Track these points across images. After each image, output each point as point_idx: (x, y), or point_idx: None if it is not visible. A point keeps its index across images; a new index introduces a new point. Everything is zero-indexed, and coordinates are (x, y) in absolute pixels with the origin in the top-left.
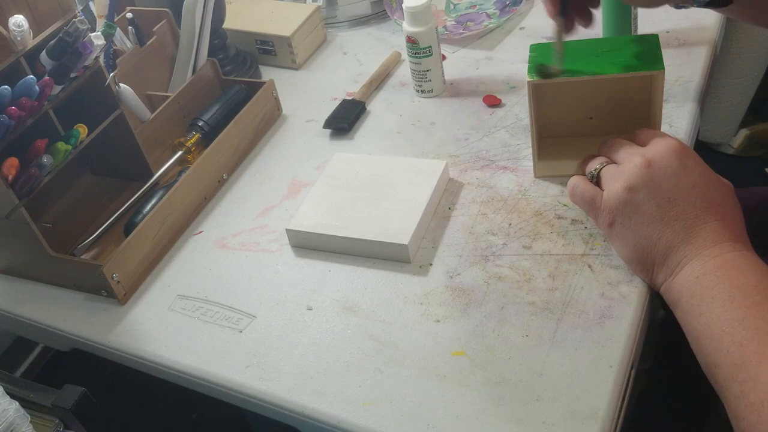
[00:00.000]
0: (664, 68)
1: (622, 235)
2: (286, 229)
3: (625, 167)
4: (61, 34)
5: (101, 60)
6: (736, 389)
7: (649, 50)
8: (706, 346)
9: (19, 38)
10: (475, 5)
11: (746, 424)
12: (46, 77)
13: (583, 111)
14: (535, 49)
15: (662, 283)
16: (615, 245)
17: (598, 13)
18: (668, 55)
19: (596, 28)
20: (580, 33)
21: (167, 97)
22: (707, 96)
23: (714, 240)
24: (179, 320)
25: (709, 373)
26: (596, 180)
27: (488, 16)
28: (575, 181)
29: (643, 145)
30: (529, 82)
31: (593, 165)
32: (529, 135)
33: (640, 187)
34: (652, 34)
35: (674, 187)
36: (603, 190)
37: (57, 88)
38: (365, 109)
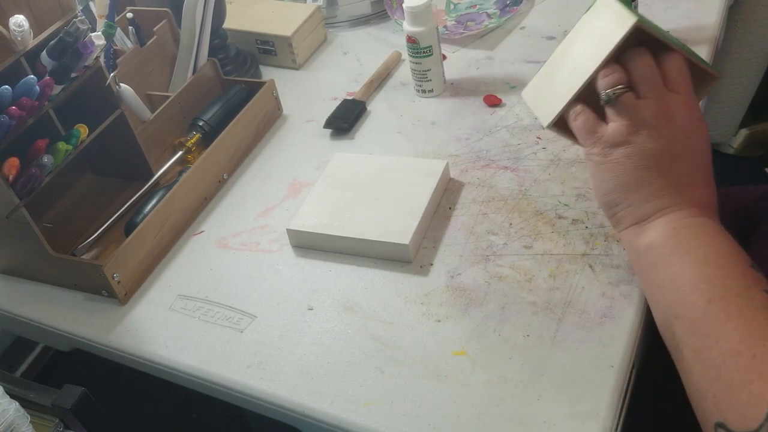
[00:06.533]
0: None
1: (613, 170)
2: (287, 229)
3: (644, 108)
4: (61, 34)
5: (102, 60)
6: (696, 343)
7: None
8: (670, 297)
9: (19, 38)
10: (476, 5)
11: (701, 379)
12: (47, 77)
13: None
14: None
15: (629, 226)
16: (599, 175)
17: None
18: None
19: None
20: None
21: (168, 97)
22: (707, 96)
23: (705, 203)
24: (180, 320)
25: (666, 326)
26: (611, 103)
27: (488, 15)
28: (580, 108)
29: (667, 78)
30: (636, 23)
31: (611, 82)
32: (530, 134)
33: (654, 135)
34: None
35: (685, 147)
36: (610, 120)
37: (57, 88)
38: (366, 109)
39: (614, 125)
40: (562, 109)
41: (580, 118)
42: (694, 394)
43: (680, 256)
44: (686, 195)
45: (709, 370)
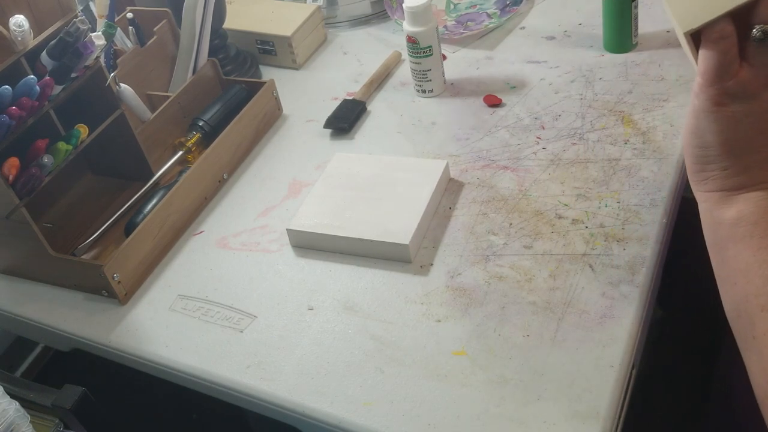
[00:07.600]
0: None
1: (723, 124)
2: (287, 229)
3: None
4: (61, 34)
5: (102, 60)
6: None
7: None
8: (757, 285)
9: (19, 38)
10: (476, 5)
11: None
12: (47, 77)
13: None
14: None
15: (714, 191)
16: (701, 122)
17: (598, 12)
18: (669, 55)
19: (597, 28)
20: (578, 30)
21: (168, 97)
22: None
23: None
24: (180, 320)
25: (743, 314)
26: (758, 42)
27: (488, 15)
28: (731, 31)
29: None
30: None
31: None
32: (530, 134)
33: None
34: None
35: None
36: (748, 62)
37: (57, 88)
38: (366, 109)
39: (750, 71)
40: (719, 17)
41: (722, 45)
42: None
43: None
44: None
45: None
